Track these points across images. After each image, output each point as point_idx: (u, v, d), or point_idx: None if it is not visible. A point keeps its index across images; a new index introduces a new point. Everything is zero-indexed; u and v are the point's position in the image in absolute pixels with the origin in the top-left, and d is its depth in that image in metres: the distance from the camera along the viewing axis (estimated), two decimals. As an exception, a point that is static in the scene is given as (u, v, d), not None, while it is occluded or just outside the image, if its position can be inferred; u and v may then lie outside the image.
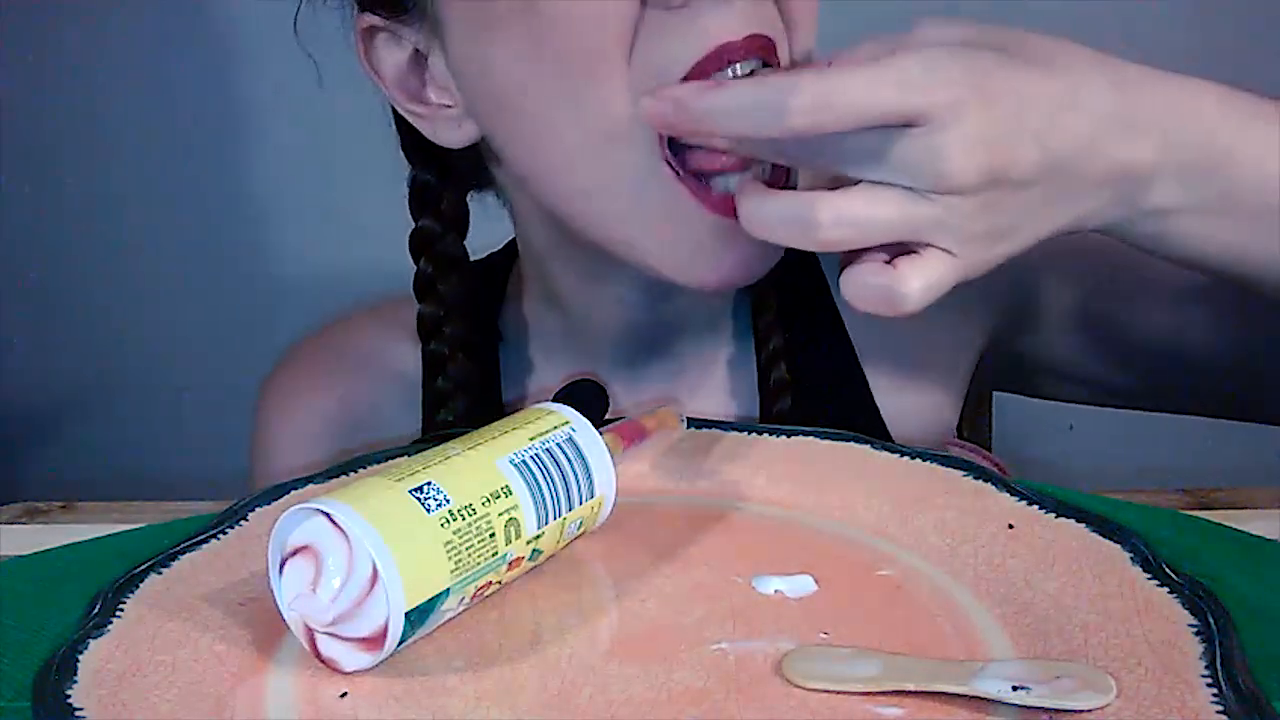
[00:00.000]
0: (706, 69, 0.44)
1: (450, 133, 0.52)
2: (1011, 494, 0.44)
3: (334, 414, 0.63)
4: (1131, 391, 0.62)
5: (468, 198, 0.59)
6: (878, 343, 0.61)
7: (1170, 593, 0.36)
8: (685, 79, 0.44)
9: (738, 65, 0.44)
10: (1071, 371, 0.63)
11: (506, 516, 0.37)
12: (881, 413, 0.60)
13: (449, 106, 0.51)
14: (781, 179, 0.46)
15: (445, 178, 0.57)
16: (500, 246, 0.65)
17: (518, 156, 0.50)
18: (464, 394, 0.58)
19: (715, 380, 0.61)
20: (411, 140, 0.56)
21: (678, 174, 0.46)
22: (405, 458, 0.39)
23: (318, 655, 0.35)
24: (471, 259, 0.61)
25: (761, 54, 0.45)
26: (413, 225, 0.58)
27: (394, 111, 0.55)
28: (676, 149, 0.46)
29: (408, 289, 0.60)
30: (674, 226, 0.47)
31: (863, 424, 0.59)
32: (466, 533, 0.35)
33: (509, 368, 0.62)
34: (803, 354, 0.60)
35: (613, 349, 0.59)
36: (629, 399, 0.59)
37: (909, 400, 0.61)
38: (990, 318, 0.62)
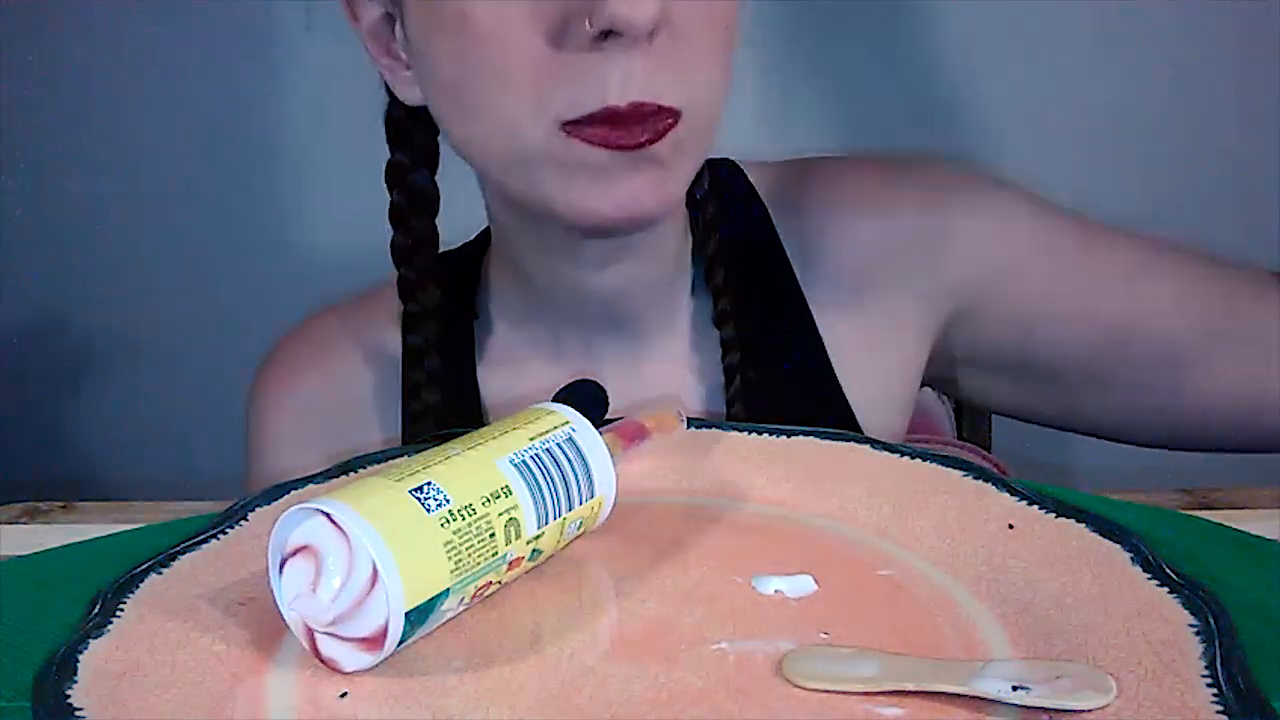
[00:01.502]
0: (595, 120, 0.49)
1: (405, 90, 0.57)
2: (1011, 494, 0.44)
3: (324, 397, 0.65)
4: (1054, 404, 0.66)
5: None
6: (840, 318, 0.64)
7: (1170, 593, 0.36)
8: (575, 123, 0.50)
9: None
10: (996, 368, 0.66)
11: (506, 516, 0.37)
12: (838, 377, 0.63)
13: (407, 68, 0.56)
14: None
15: (415, 115, 0.60)
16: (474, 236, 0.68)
17: (451, 130, 0.55)
18: (435, 320, 0.62)
19: (677, 347, 0.63)
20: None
21: (572, 135, 0.50)
22: (405, 458, 0.39)
23: (318, 655, 0.35)
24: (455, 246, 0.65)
25: (648, 119, 0.50)
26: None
27: None
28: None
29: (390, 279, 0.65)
30: (573, 172, 0.51)
31: (820, 389, 0.63)
32: (466, 533, 0.35)
33: (482, 341, 0.65)
34: (763, 319, 0.63)
35: (574, 317, 0.62)
36: (591, 367, 0.62)
37: (866, 365, 0.64)
38: (946, 308, 0.64)
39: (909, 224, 0.63)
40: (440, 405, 0.61)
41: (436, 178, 0.61)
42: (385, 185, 0.61)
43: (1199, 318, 0.60)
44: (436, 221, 0.62)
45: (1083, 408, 0.64)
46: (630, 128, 0.49)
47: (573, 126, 0.50)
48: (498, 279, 0.65)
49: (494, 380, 0.64)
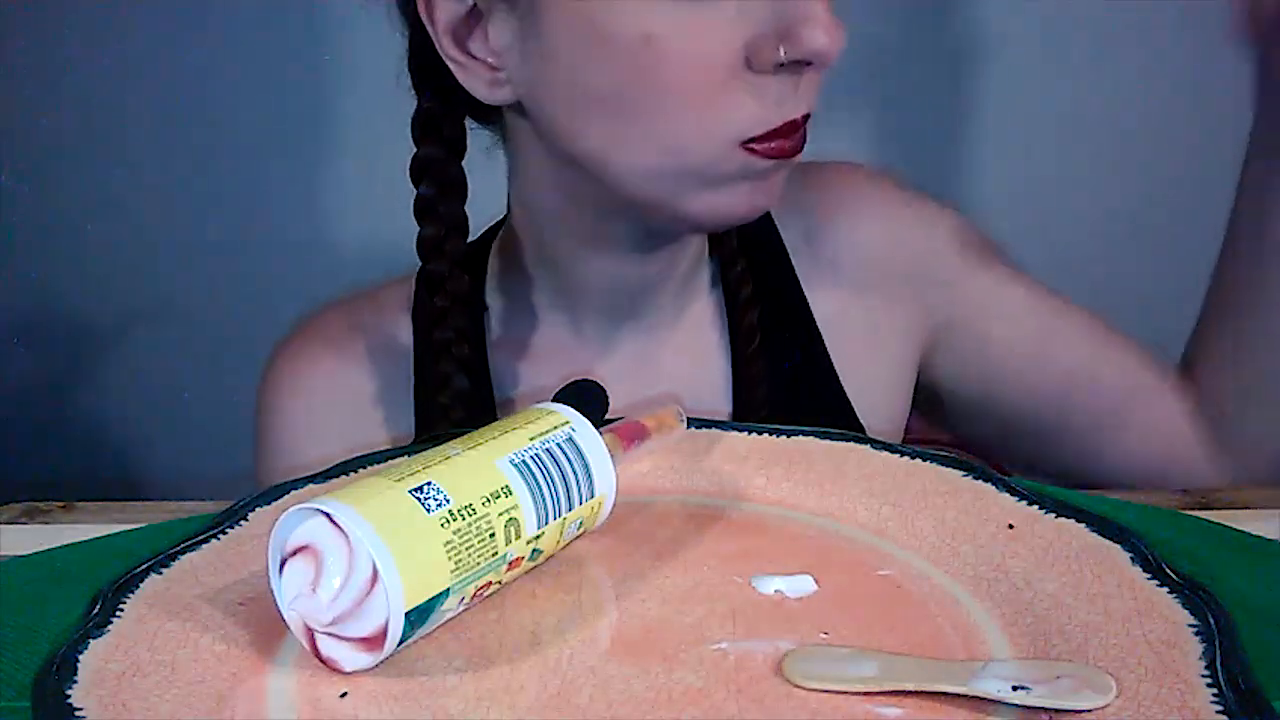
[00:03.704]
0: (778, 134, 0.52)
1: (486, 90, 0.56)
2: (1011, 494, 0.44)
3: (335, 390, 0.66)
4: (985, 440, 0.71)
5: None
6: (838, 315, 0.67)
7: (1170, 593, 0.36)
8: (758, 139, 0.52)
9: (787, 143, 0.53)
10: (951, 401, 0.71)
11: (506, 516, 0.37)
12: (838, 373, 0.66)
13: (493, 68, 0.55)
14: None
15: (450, 106, 0.60)
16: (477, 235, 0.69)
17: (582, 141, 0.54)
18: (460, 311, 0.61)
19: (688, 340, 0.65)
20: (422, 71, 0.59)
21: (753, 151, 0.52)
22: (405, 457, 0.39)
23: (318, 655, 0.35)
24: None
25: (804, 124, 0.53)
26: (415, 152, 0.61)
27: (411, 43, 0.59)
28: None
29: (395, 275, 0.67)
30: (734, 182, 0.54)
31: (820, 385, 0.66)
32: (466, 533, 0.35)
33: (494, 333, 0.66)
34: (767, 316, 0.65)
35: (596, 307, 0.64)
36: (607, 357, 0.64)
37: (864, 363, 0.67)
38: (928, 326, 0.68)
39: (905, 230, 0.68)
40: (467, 393, 0.62)
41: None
42: (410, 179, 0.61)
43: (1129, 380, 0.66)
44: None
45: (1009, 452, 0.70)
46: (791, 137, 0.53)
47: (753, 143, 0.52)
48: (515, 271, 0.65)
49: (507, 370, 0.65)
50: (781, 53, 0.50)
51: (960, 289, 0.67)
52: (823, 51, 0.50)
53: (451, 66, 0.56)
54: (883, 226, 0.68)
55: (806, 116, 0.53)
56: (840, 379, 0.66)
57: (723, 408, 0.64)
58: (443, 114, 0.60)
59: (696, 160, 0.52)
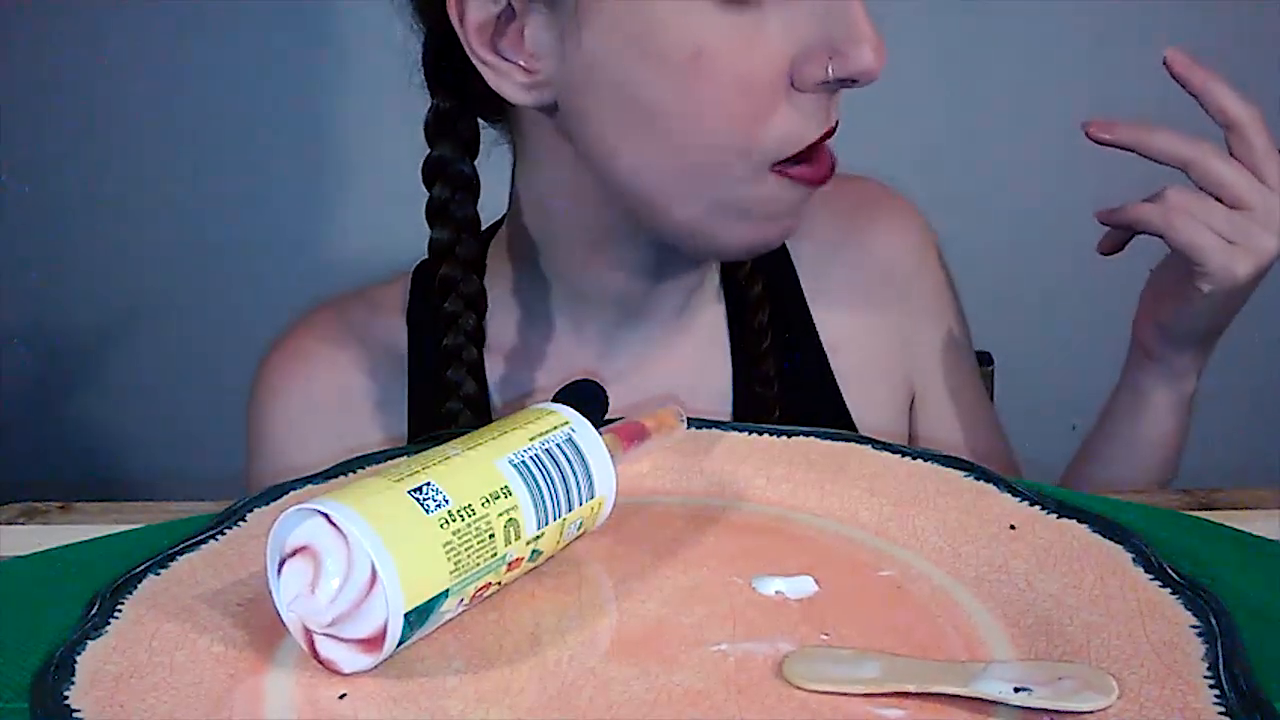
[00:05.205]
0: (806, 157, 0.52)
1: (517, 92, 0.54)
2: (1012, 494, 0.44)
3: (327, 391, 0.65)
4: None
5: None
6: (840, 325, 0.68)
7: (1172, 593, 0.36)
8: (788, 161, 0.52)
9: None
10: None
11: (506, 517, 0.37)
12: (838, 382, 0.67)
13: (525, 70, 0.53)
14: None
15: (464, 105, 0.59)
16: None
17: (616, 154, 0.53)
18: (470, 316, 0.60)
19: (688, 345, 0.65)
20: (438, 71, 0.58)
21: (782, 174, 0.52)
22: (405, 458, 0.39)
23: (316, 657, 0.35)
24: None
25: (829, 149, 0.54)
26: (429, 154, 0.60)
27: (428, 44, 0.58)
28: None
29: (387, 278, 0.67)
30: (764, 210, 0.53)
31: (819, 392, 0.66)
32: (466, 533, 0.35)
33: (491, 333, 0.64)
34: (769, 322, 0.65)
35: (600, 311, 0.63)
36: (606, 358, 0.64)
37: (864, 374, 0.68)
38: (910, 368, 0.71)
39: (908, 243, 0.70)
40: (474, 398, 0.61)
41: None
42: (423, 181, 0.59)
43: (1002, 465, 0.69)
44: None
45: None
46: (821, 163, 0.52)
47: (782, 166, 0.52)
48: (517, 272, 0.64)
49: (505, 372, 0.64)
50: (829, 71, 0.49)
51: (934, 315, 0.71)
52: (870, 70, 0.49)
53: (480, 68, 0.54)
54: (886, 240, 0.69)
55: (834, 128, 0.53)
56: (841, 391, 0.66)
57: (723, 412, 0.64)
58: (458, 114, 0.59)
59: (728, 182, 0.52)
